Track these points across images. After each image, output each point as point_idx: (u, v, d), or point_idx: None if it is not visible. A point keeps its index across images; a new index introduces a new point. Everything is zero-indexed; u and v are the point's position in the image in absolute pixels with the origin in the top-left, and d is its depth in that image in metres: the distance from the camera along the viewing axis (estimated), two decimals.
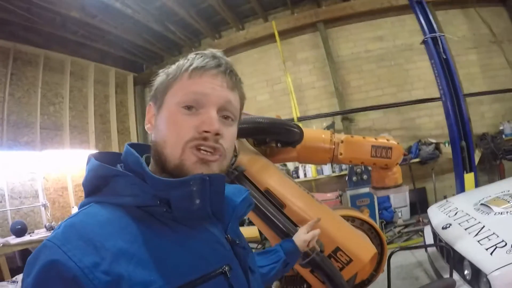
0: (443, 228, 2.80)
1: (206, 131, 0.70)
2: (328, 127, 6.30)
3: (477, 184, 4.30)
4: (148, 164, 0.77)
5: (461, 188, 4.30)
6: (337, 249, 1.79)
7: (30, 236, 4.57)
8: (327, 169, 6.07)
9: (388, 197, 5.71)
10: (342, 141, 2.14)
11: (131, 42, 6.72)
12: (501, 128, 5.83)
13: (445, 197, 5.43)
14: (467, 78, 5.98)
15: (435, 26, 4.64)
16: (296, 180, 6.12)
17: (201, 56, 0.75)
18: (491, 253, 2.10)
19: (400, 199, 5.72)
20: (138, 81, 7.67)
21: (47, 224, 4.93)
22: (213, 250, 0.72)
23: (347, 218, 2.26)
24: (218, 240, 0.74)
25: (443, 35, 4.63)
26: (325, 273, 1.67)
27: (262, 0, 6.43)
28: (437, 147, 5.83)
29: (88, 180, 0.70)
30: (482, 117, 6.07)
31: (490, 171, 5.73)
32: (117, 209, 0.66)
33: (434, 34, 4.59)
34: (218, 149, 0.72)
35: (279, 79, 6.69)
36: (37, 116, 5.73)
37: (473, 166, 4.32)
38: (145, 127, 0.79)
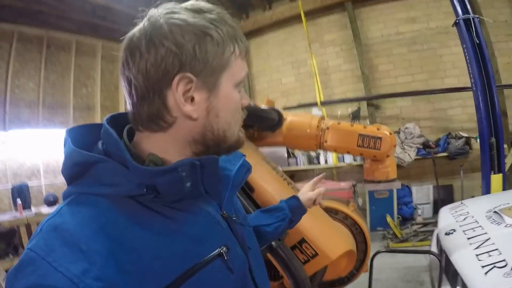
0: (446, 233, 2.51)
1: (246, 106, 0.73)
2: (353, 113, 5.92)
3: (505, 187, 3.78)
4: (132, 137, 0.68)
5: (486, 190, 3.82)
6: (303, 240, 1.75)
7: None
8: (348, 157, 5.69)
9: (409, 192, 5.30)
10: (328, 128, 1.97)
11: None
12: None
13: (472, 197, 4.93)
14: (507, 68, 5.20)
15: (468, 6, 4.05)
16: (316, 166, 5.88)
17: (242, 37, 0.68)
18: (486, 273, 1.81)
19: (423, 195, 5.28)
20: None
21: None
22: (209, 231, 0.67)
23: (329, 210, 2.13)
24: (213, 220, 0.69)
25: (477, 17, 4.03)
26: (282, 260, 1.62)
27: None
28: (467, 142, 5.21)
29: (66, 168, 0.63)
30: None
31: None
32: (102, 200, 0.59)
33: (467, 15, 4.02)
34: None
35: (305, 62, 6.30)
36: (70, 97, 6.03)
37: (502, 167, 3.79)
38: (185, 110, 0.63)
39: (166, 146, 0.66)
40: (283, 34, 6.56)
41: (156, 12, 0.64)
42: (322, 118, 2.03)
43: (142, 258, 0.56)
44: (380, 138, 1.87)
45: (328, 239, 1.80)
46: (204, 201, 0.69)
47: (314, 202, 1.35)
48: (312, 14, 6.19)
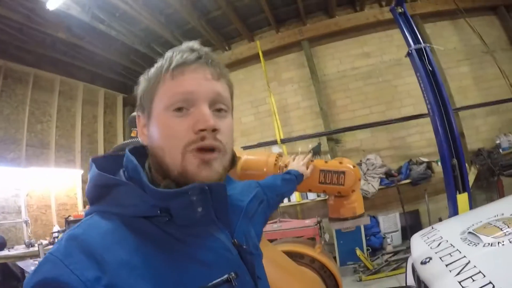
0: (422, 262, 2.08)
1: (202, 129, 0.64)
2: (314, 149, 5.59)
3: (471, 206, 3.52)
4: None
5: (454, 211, 3.53)
6: None
7: (9, 251, 4.40)
8: (311, 193, 5.28)
9: (377, 222, 4.96)
10: (286, 166, 1.66)
11: (120, 63, 6.37)
12: (497, 142, 5.02)
13: (440, 220, 4.66)
14: (459, 91, 5.25)
15: (419, 37, 4.01)
16: (280, 205, 5.43)
17: (179, 52, 0.68)
18: None
19: (390, 224, 4.93)
20: (127, 102, 7.23)
21: (26, 241, 4.72)
22: (219, 257, 0.64)
23: (293, 254, 1.89)
24: (224, 246, 0.66)
25: (429, 46, 3.98)
26: None
27: (247, 21, 5.93)
28: (429, 166, 5.01)
29: (89, 189, 0.65)
30: (477, 131, 5.25)
31: (488, 189, 4.91)
32: (119, 219, 0.59)
33: (419, 45, 3.96)
34: (217, 147, 0.66)
35: (264, 100, 6.03)
36: (24, 133, 5.46)
37: (466, 186, 3.54)
38: (139, 139, 0.72)
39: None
40: (241, 74, 6.31)
41: None
42: (280, 155, 1.76)
43: (150, 274, 0.55)
44: (344, 172, 1.62)
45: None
46: (216, 228, 0.67)
47: (307, 166, 1.58)
48: (270, 53, 6.06)
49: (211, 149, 0.65)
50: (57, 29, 5.02)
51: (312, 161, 1.61)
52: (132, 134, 1.98)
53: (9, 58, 5.40)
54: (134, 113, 2.17)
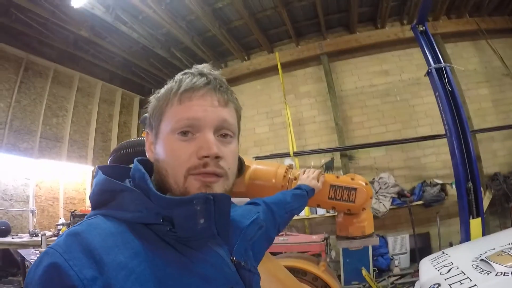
0: None
1: (205, 156, 0.65)
2: (326, 164, 5.53)
3: (485, 232, 3.40)
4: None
5: (466, 236, 3.40)
6: None
7: (12, 238, 4.46)
8: (320, 209, 5.20)
9: (385, 243, 4.81)
10: (295, 178, 1.61)
11: (139, 65, 6.49)
12: None
13: (450, 244, 4.51)
14: (478, 114, 5.13)
15: (440, 56, 3.96)
16: None
17: (188, 76, 0.70)
18: None
19: (399, 245, 4.78)
20: (144, 103, 7.22)
21: (31, 230, 4.76)
22: (217, 272, 0.65)
23: (296, 270, 1.85)
24: (223, 261, 0.67)
25: (449, 66, 3.92)
26: None
27: (268, 32, 6.00)
28: (442, 188, 4.86)
29: (95, 193, 0.66)
30: (494, 155, 5.09)
31: (502, 215, 4.71)
32: (122, 223, 0.60)
33: (439, 64, 3.91)
34: (219, 173, 0.67)
35: (280, 112, 6.03)
36: (39, 125, 5.57)
37: (480, 211, 3.41)
38: (147, 155, 0.75)
39: None
40: (259, 85, 6.36)
41: None
42: (290, 167, 1.71)
43: (148, 281, 0.55)
44: (355, 189, 1.55)
45: None
46: (215, 243, 0.68)
47: (317, 179, 1.53)
48: (289, 66, 6.09)
49: (213, 174, 0.66)
50: (80, 27, 5.17)
51: (322, 174, 1.56)
52: (143, 135, 1.97)
53: (32, 51, 5.55)
54: (147, 114, 2.18)
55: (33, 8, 4.64)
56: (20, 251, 3.95)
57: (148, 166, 0.72)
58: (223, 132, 0.70)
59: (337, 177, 1.60)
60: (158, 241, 0.61)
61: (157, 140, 0.70)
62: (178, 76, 0.71)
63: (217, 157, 0.66)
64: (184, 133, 0.66)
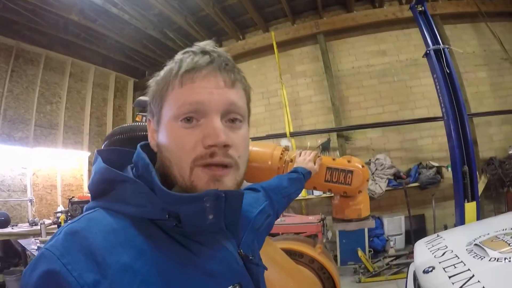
0: (424, 271, 2.05)
1: (212, 145, 0.58)
2: (323, 145, 5.55)
3: (479, 216, 3.47)
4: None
5: (460, 219, 3.47)
6: None
7: (12, 228, 4.49)
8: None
9: (381, 223, 4.91)
10: (291, 160, 1.59)
11: (132, 48, 6.35)
12: (510, 152, 4.87)
13: (445, 227, 4.60)
14: (475, 97, 5.11)
15: (439, 37, 3.91)
16: None
17: (190, 55, 0.62)
18: None
19: (394, 226, 4.88)
20: (138, 86, 7.21)
21: (30, 219, 4.82)
22: (226, 267, 0.61)
23: (293, 252, 1.83)
24: (231, 256, 0.63)
25: (448, 47, 3.87)
26: None
27: (263, 11, 5.84)
28: (438, 171, 4.92)
29: (93, 183, 0.61)
30: (491, 140, 5.11)
31: (496, 199, 4.79)
32: (124, 218, 0.55)
33: (438, 46, 3.86)
34: (229, 163, 0.61)
35: (276, 92, 5.96)
36: (33, 113, 5.51)
37: (475, 195, 3.48)
38: (150, 145, 0.68)
39: None
40: (255, 64, 6.24)
41: None
42: (286, 148, 1.69)
43: (154, 282, 0.51)
44: (352, 172, 1.54)
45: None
46: (223, 236, 0.64)
47: (314, 162, 1.52)
48: (285, 45, 5.98)
49: (222, 165, 0.60)
50: (69, 11, 5.01)
51: (319, 156, 1.55)
52: (137, 119, 1.89)
53: (22, 38, 5.43)
54: (141, 97, 2.10)
55: None
56: (20, 241, 3.99)
57: (152, 152, 0.67)
58: (231, 117, 0.63)
59: (334, 159, 1.59)
60: (163, 237, 0.56)
61: (159, 128, 0.64)
62: (179, 56, 0.64)
63: (226, 146, 0.60)
64: (187, 120, 0.60)
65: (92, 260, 0.48)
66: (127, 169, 0.62)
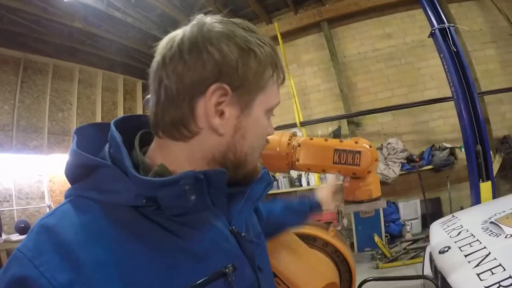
0: (440, 252, 2.07)
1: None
2: (334, 132, 5.56)
3: (495, 195, 3.42)
4: (147, 142, 0.62)
5: (476, 200, 3.45)
6: (273, 275, 1.38)
7: None
8: (330, 176, 5.23)
9: (396, 208, 4.90)
10: (299, 145, 1.58)
11: (138, 50, 6.41)
12: None
13: (461, 209, 4.55)
14: (485, 75, 4.98)
15: (443, 17, 3.84)
16: (299, 188, 5.45)
17: (279, 61, 0.62)
18: None
19: (410, 211, 4.86)
20: (147, 87, 7.21)
21: None
22: (215, 247, 0.57)
23: (305, 236, 1.74)
24: (221, 234, 0.59)
25: (453, 26, 3.81)
26: None
27: (264, 3, 5.83)
28: (452, 152, 4.85)
29: (67, 168, 0.57)
30: (503, 118, 4.98)
31: None
32: (99, 207, 0.52)
33: (443, 25, 3.80)
34: None
35: (284, 83, 5.97)
36: (45, 122, 5.65)
37: (490, 174, 3.44)
38: (213, 123, 0.56)
39: (181, 158, 0.59)
40: None
41: (205, 18, 0.59)
42: (294, 134, 1.67)
43: (134, 273, 0.49)
44: (359, 152, 1.50)
45: (303, 272, 1.46)
46: (211, 214, 0.60)
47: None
48: (289, 35, 5.96)
49: None
50: (73, 19, 5.10)
51: (341, 192, 1.51)
52: None
53: (28, 50, 5.53)
54: (149, 96, 2.19)
55: (24, 7, 4.60)
56: None
57: (132, 125, 0.64)
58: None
59: (341, 141, 1.56)
60: (143, 223, 0.53)
61: (247, 115, 0.59)
62: (267, 49, 0.59)
63: None
64: (268, 116, 0.65)
65: (66, 258, 0.46)
66: (104, 150, 0.58)
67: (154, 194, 0.52)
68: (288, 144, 1.60)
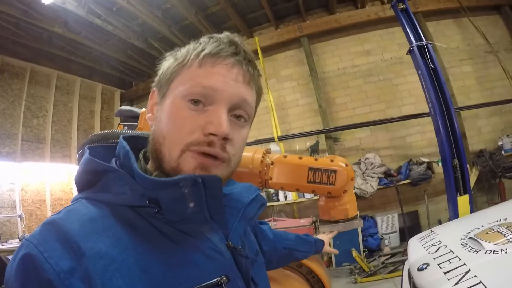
0: (418, 269, 1.93)
1: (212, 134, 0.56)
2: (312, 147, 5.45)
3: (472, 208, 3.37)
4: (148, 159, 0.65)
5: (454, 213, 3.38)
6: None
7: (2, 244, 4.35)
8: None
9: (374, 222, 4.78)
10: (272, 163, 1.49)
11: (117, 59, 6.22)
12: (499, 143, 4.82)
13: (439, 222, 4.49)
14: (462, 91, 5.06)
15: (421, 34, 3.86)
16: (276, 203, 5.29)
17: (216, 41, 0.60)
18: None
19: (388, 224, 4.76)
20: (125, 97, 7.07)
21: (20, 236, 4.63)
22: (209, 259, 0.57)
23: None
24: (215, 248, 0.59)
25: (431, 43, 3.82)
26: None
27: (246, 17, 5.77)
28: (429, 166, 4.83)
29: (78, 174, 0.61)
30: (479, 132, 5.04)
31: (489, 191, 4.70)
32: (105, 207, 0.55)
33: (421, 42, 3.81)
34: (222, 158, 0.58)
35: (262, 97, 5.80)
36: (19, 128, 5.31)
37: (467, 188, 3.38)
38: (146, 116, 0.65)
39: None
40: None
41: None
42: (268, 151, 1.58)
43: (130, 270, 0.49)
44: (335, 171, 1.44)
45: None
46: (209, 228, 0.60)
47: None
48: (269, 50, 5.91)
49: (214, 157, 0.57)
50: (53, 24, 4.90)
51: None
52: (119, 128, 1.83)
53: (6, 52, 5.27)
54: (123, 106, 1.99)
55: (3, 8, 4.38)
56: (10, 257, 3.82)
57: (139, 143, 0.67)
58: (237, 113, 0.60)
59: (316, 159, 1.48)
60: (145, 225, 0.55)
61: (162, 101, 0.61)
62: (204, 38, 0.61)
63: (225, 139, 0.57)
64: (195, 102, 0.57)
65: (68, 248, 0.47)
66: (112, 161, 0.61)
67: (156, 196, 0.54)
68: (262, 161, 1.51)
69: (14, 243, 4.38)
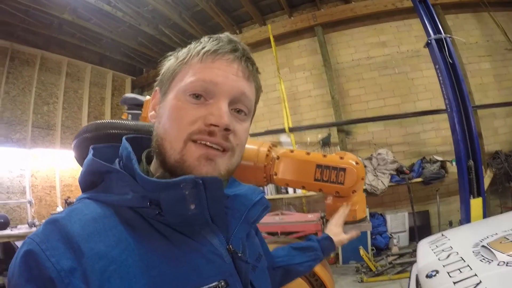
0: (427, 276, 1.87)
1: (213, 125, 0.57)
2: (323, 140, 5.34)
3: (485, 212, 3.25)
4: (150, 160, 0.66)
5: (466, 216, 3.26)
6: None
7: (11, 230, 4.44)
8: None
9: (384, 220, 4.70)
10: (278, 157, 1.40)
11: (128, 46, 6.20)
12: None
13: (450, 223, 4.39)
14: (479, 89, 4.84)
15: (440, 27, 3.68)
16: (285, 196, 5.24)
17: (215, 39, 0.63)
18: None
19: (398, 223, 4.67)
20: (136, 84, 7.06)
21: (29, 221, 4.77)
22: (208, 262, 0.57)
23: None
24: (215, 251, 0.59)
25: (450, 37, 3.64)
26: None
27: (259, 4, 5.63)
28: (442, 165, 4.67)
29: (81, 175, 0.62)
30: (496, 133, 4.83)
31: (502, 194, 4.53)
32: (107, 207, 0.55)
33: (439, 35, 3.63)
34: (226, 147, 0.59)
35: (274, 87, 5.72)
36: (30, 114, 5.41)
37: (481, 190, 3.26)
38: (149, 115, 0.68)
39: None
40: None
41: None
42: (274, 144, 1.49)
43: (129, 272, 0.50)
44: (344, 170, 1.33)
45: None
46: (210, 231, 0.60)
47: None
48: (282, 38, 5.77)
49: (217, 148, 0.58)
50: (62, 11, 4.89)
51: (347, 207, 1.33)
52: (123, 117, 1.79)
53: (16, 40, 5.32)
54: (128, 94, 1.96)
55: None
56: (19, 243, 3.91)
57: (143, 144, 0.67)
58: (238, 107, 0.62)
59: (325, 156, 1.38)
60: (145, 227, 0.55)
61: (164, 99, 0.63)
62: (204, 38, 0.64)
63: (227, 129, 0.58)
64: (196, 96, 0.59)
65: (69, 248, 0.48)
66: (115, 162, 0.61)
67: (157, 197, 0.54)
68: (267, 155, 1.41)
69: (23, 229, 4.50)
